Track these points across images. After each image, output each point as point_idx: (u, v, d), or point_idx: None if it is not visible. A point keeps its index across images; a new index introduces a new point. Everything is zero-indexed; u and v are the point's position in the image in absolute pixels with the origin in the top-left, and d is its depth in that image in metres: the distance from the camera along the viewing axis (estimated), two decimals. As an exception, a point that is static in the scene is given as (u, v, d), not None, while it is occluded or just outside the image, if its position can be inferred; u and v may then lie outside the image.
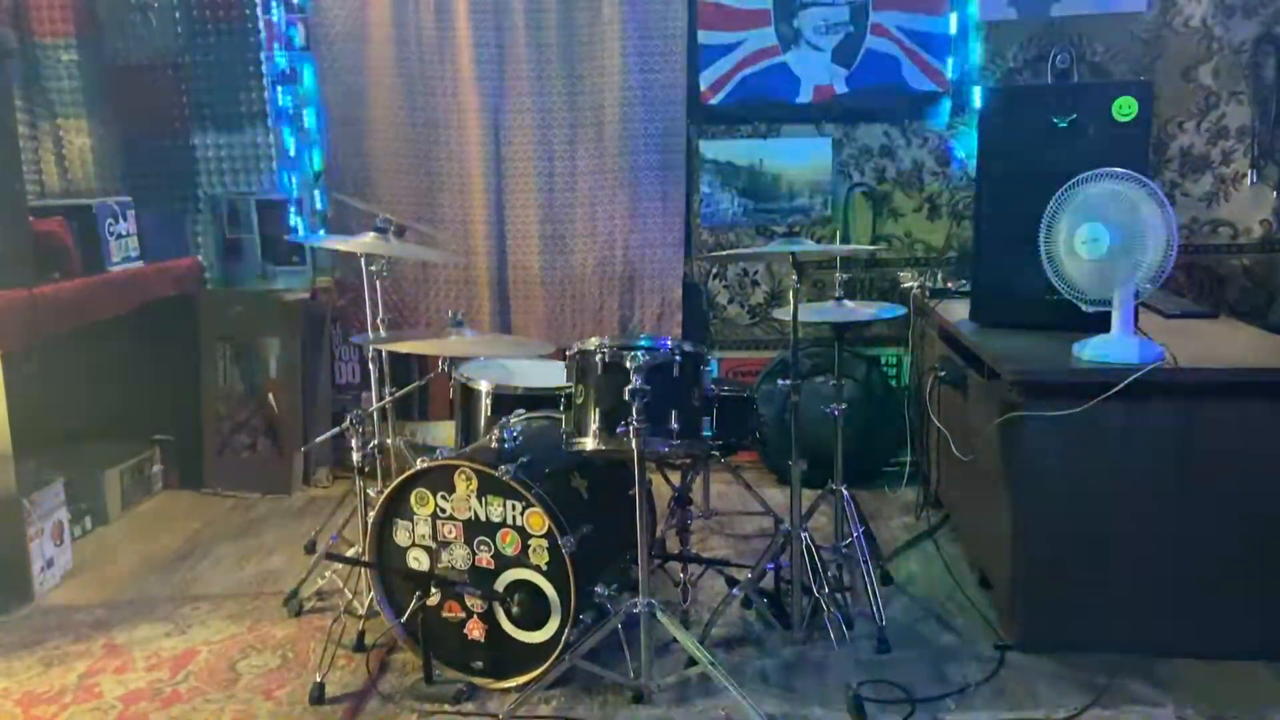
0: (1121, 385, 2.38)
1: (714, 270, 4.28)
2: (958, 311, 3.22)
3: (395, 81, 4.13)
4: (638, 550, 2.41)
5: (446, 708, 2.44)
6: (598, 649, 2.44)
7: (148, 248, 3.92)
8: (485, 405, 3.00)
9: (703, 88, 4.09)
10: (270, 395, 4.20)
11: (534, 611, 2.46)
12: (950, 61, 4.00)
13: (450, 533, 2.52)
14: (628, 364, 2.32)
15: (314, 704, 2.48)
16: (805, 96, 4.07)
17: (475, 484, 2.48)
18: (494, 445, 2.61)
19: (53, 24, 4.08)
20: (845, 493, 2.88)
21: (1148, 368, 2.40)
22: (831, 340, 2.95)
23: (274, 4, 4.16)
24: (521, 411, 2.87)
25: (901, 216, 4.15)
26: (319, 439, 3.66)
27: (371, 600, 2.65)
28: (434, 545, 2.55)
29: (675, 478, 3.07)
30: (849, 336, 3.74)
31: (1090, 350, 2.54)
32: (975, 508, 3.04)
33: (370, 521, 2.60)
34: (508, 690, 2.48)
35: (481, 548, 2.50)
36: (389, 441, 3.10)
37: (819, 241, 4.12)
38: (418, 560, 2.57)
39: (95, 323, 3.58)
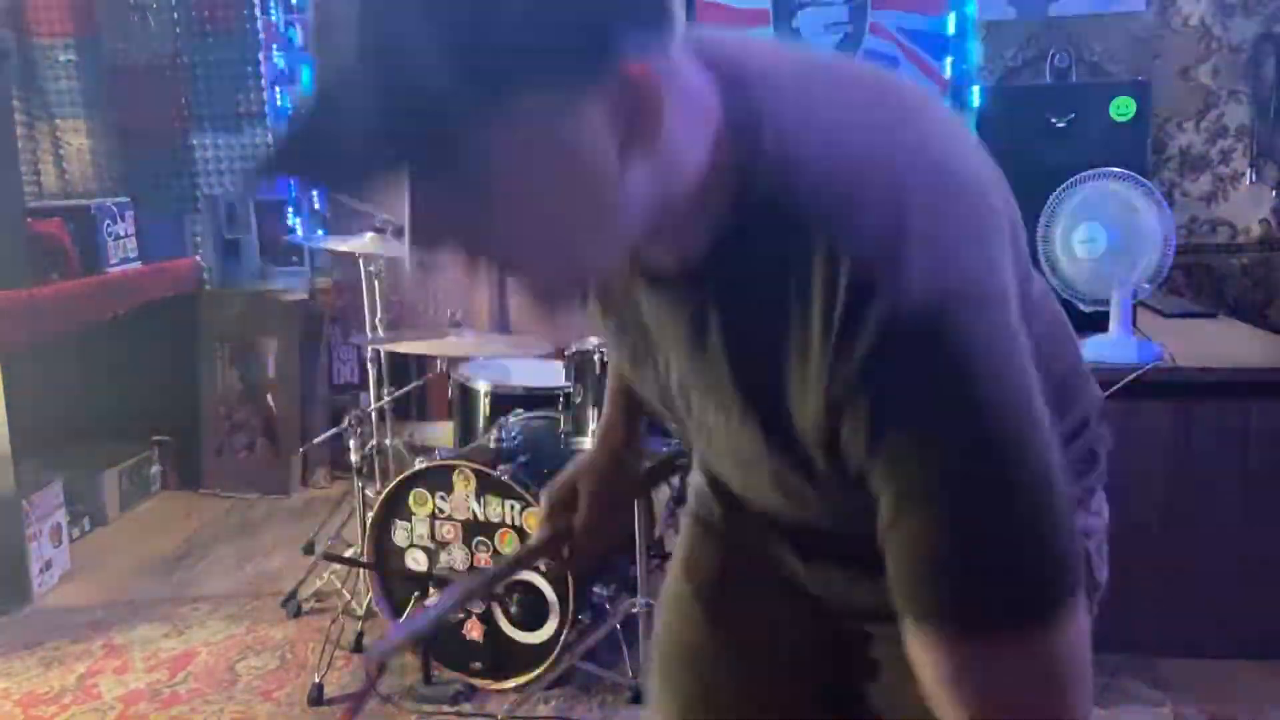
0: (1120, 385, 2.38)
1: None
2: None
3: (394, 81, 4.12)
4: (636, 550, 2.41)
5: (445, 708, 2.44)
6: (596, 649, 2.44)
7: (146, 248, 3.92)
8: (484, 405, 3.00)
9: (701, 87, 4.08)
10: (269, 395, 4.20)
11: (532, 612, 2.46)
12: (948, 61, 4.00)
13: (449, 533, 2.52)
14: (626, 364, 2.32)
15: (312, 705, 2.48)
16: (804, 96, 4.07)
17: (474, 484, 2.48)
18: (492, 445, 2.61)
19: (50, 24, 4.08)
20: (844, 492, 2.87)
21: (1146, 367, 2.40)
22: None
23: (272, 4, 4.16)
24: (520, 411, 2.87)
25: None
26: (317, 439, 3.66)
27: (370, 601, 2.65)
28: (432, 545, 2.54)
29: (674, 478, 3.06)
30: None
31: (1088, 350, 2.54)
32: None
33: (368, 522, 2.60)
34: (506, 690, 2.48)
35: (480, 548, 2.50)
36: (387, 442, 3.10)
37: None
38: (416, 561, 2.57)
39: (93, 323, 3.58)
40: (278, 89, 4.21)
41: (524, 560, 1.39)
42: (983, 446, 0.66)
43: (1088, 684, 0.70)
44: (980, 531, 0.67)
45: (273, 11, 4.17)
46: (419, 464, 2.53)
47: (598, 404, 2.43)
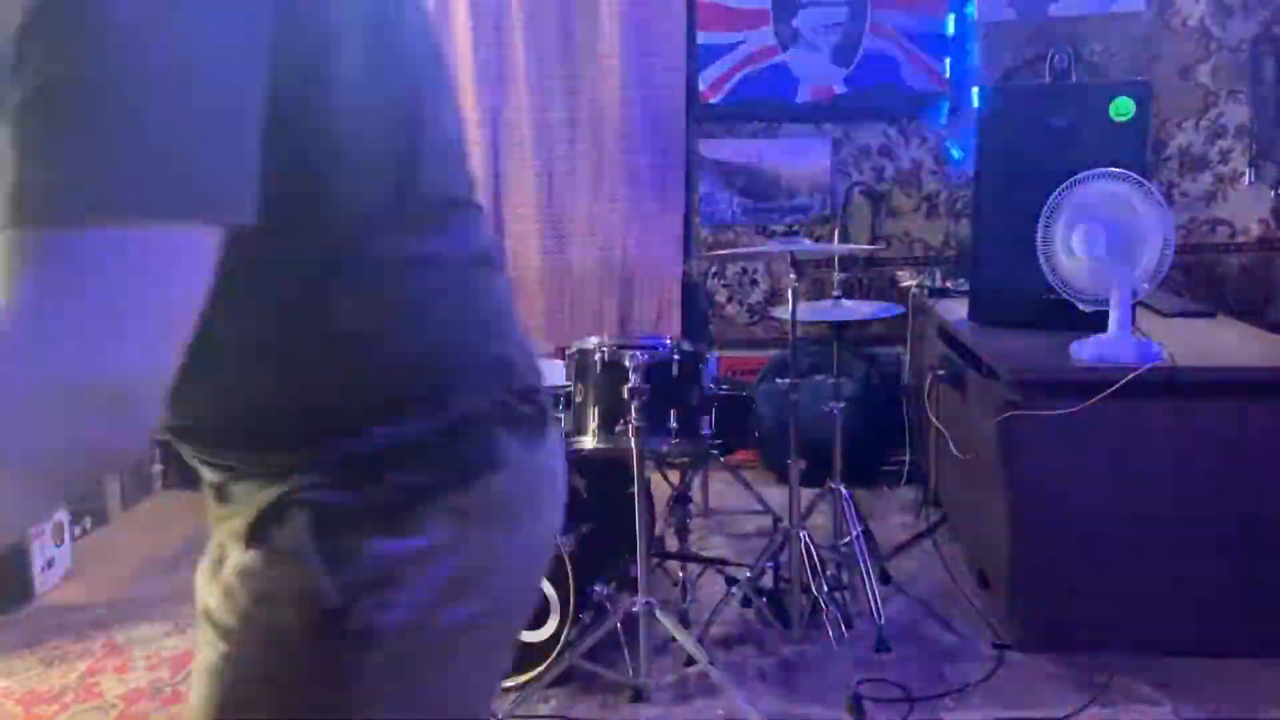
0: (1120, 384, 2.38)
1: (713, 269, 4.28)
2: (956, 310, 3.23)
3: (394, 81, 4.13)
4: (636, 549, 2.41)
5: (446, 707, 2.44)
6: (597, 648, 2.45)
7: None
8: (484, 405, 3.00)
9: (702, 87, 4.09)
10: (270, 395, 4.20)
11: (533, 610, 2.46)
12: (949, 61, 4.01)
13: (449, 532, 2.52)
14: (626, 363, 2.33)
15: (314, 703, 2.48)
16: (804, 96, 4.08)
17: (474, 483, 2.48)
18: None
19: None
20: (844, 492, 2.89)
21: (1146, 367, 2.41)
22: (830, 339, 2.95)
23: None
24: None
25: (900, 216, 4.16)
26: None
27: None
28: (433, 544, 2.54)
29: (674, 476, 3.07)
30: (848, 335, 3.75)
31: (1088, 349, 2.55)
32: (974, 507, 3.05)
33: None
34: (506, 689, 2.48)
35: (481, 547, 2.50)
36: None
37: (818, 240, 4.13)
38: (417, 559, 2.56)
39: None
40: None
41: None
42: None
43: (146, 341, 0.60)
44: (70, 107, 0.57)
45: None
46: (420, 463, 2.53)
47: (598, 403, 2.43)
